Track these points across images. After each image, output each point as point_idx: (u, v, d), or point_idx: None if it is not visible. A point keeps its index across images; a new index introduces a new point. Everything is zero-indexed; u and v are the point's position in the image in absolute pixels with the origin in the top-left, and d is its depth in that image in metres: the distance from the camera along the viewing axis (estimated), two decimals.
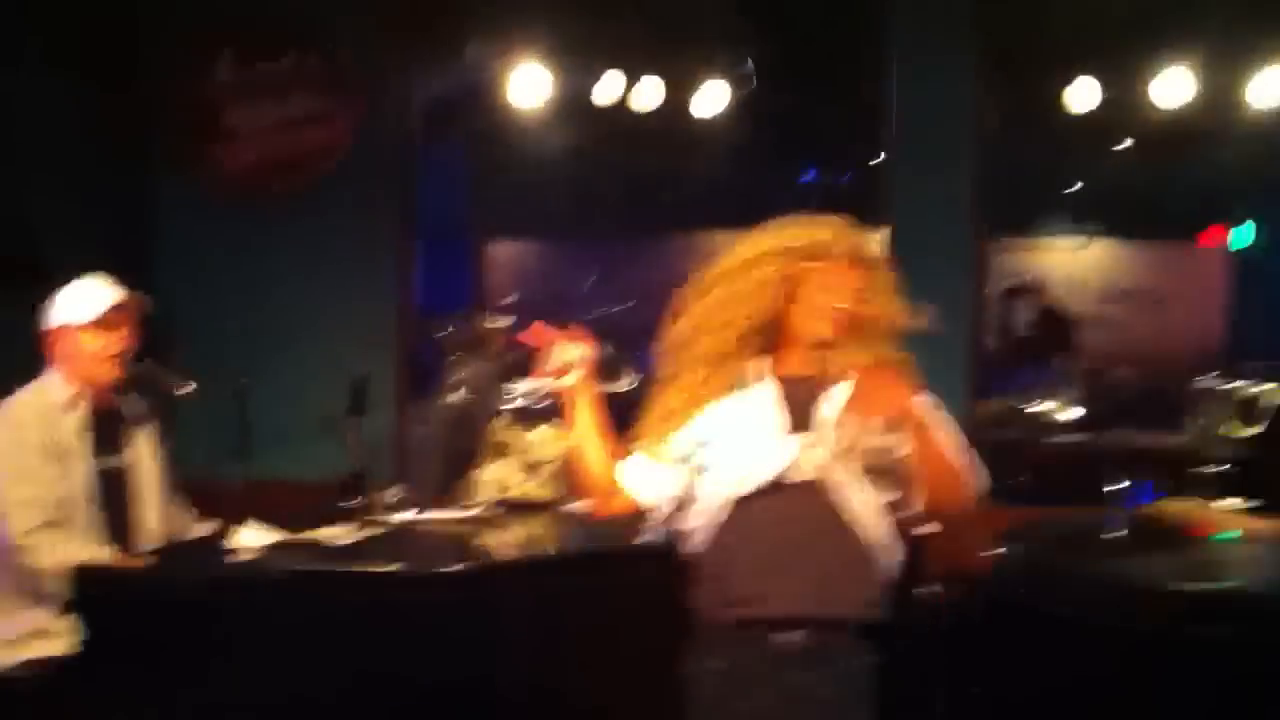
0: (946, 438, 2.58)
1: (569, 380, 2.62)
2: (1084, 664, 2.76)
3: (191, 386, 3.29)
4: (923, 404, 2.56)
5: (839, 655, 2.52)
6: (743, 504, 2.56)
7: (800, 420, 2.58)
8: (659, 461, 2.64)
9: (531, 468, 3.57)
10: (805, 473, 2.54)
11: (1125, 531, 3.25)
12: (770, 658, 2.51)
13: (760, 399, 2.62)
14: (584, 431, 2.64)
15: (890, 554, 2.60)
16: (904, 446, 2.53)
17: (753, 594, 2.53)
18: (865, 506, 2.56)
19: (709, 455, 2.61)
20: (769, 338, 2.64)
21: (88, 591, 2.79)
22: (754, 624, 2.52)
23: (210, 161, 5.01)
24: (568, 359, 2.62)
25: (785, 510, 2.54)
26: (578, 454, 2.66)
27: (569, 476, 2.79)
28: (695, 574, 2.63)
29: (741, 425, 2.61)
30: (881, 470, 2.55)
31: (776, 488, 2.54)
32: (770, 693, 2.51)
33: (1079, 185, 10.66)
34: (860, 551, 2.56)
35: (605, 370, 5.55)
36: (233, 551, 2.85)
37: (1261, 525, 3.43)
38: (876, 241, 2.71)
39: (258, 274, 4.99)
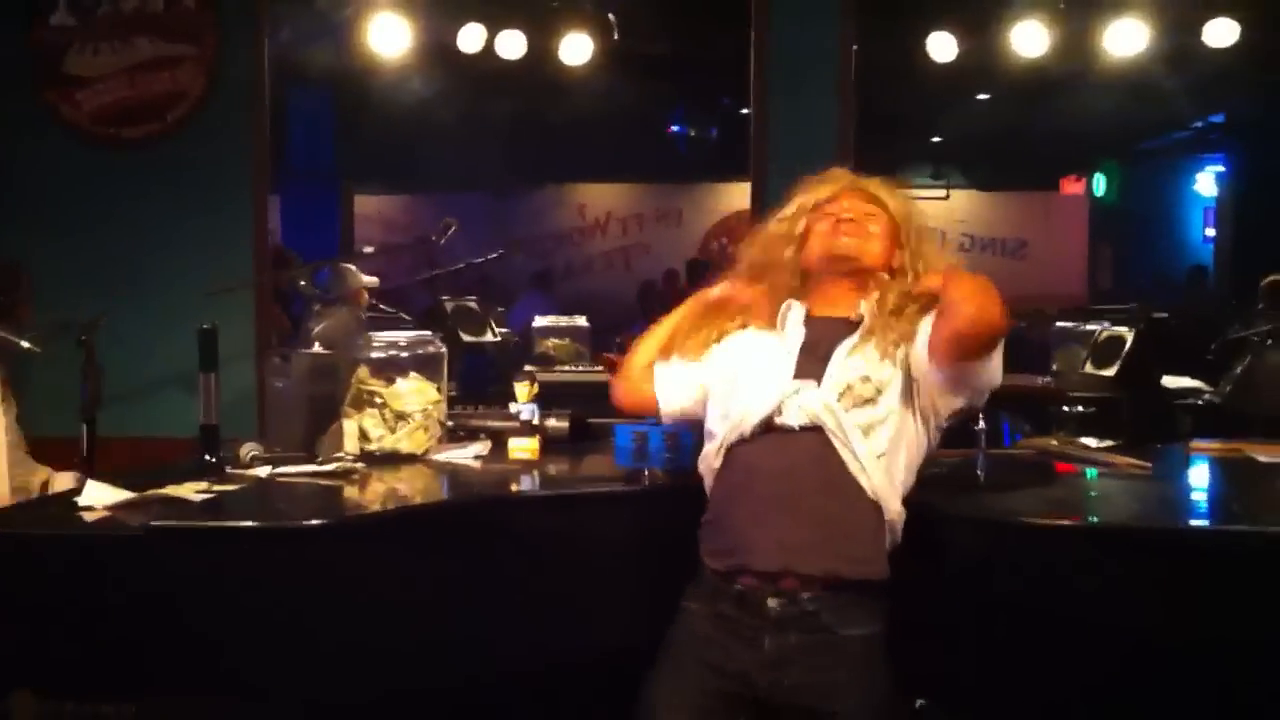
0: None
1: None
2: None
3: (26, 345, 3.14)
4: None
5: (831, 619, 2.39)
6: (740, 449, 2.50)
7: (812, 364, 2.53)
8: (688, 373, 2.78)
9: (396, 420, 3.48)
10: (798, 419, 2.46)
11: (985, 472, 3.29)
12: (756, 615, 2.40)
13: (781, 340, 2.61)
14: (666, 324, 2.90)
15: (892, 507, 2.49)
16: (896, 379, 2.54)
17: (738, 544, 2.43)
18: (866, 456, 2.45)
19: (720, 389, 2.63)
20: (803, 281, 2.74)
21: None
22: (737, 576, 2.43)
23: (58, 107, 4.85)
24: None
25: (780, 458, 2.45)
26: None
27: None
28: (703, 518, 2.58)
29: (753, 364, 2.58)
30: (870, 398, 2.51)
31: (770, 433, 2.47)
32: (751, 651, 2.41)
33: (939, 137, 10.86)
34: (859, 505, 2.45)
35: (471, 323, 5.51)
36: (82, 509, 2.73)
37: (1119, 461, 3.52)
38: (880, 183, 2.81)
39: (112, 222, 4.84)
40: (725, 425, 2.55)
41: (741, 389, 2.56)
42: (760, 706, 2.43)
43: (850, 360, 2.54)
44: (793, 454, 2.46)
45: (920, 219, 2.78)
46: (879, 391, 2.51)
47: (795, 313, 2.68)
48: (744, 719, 2.44)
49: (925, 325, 2.60)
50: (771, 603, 2.39)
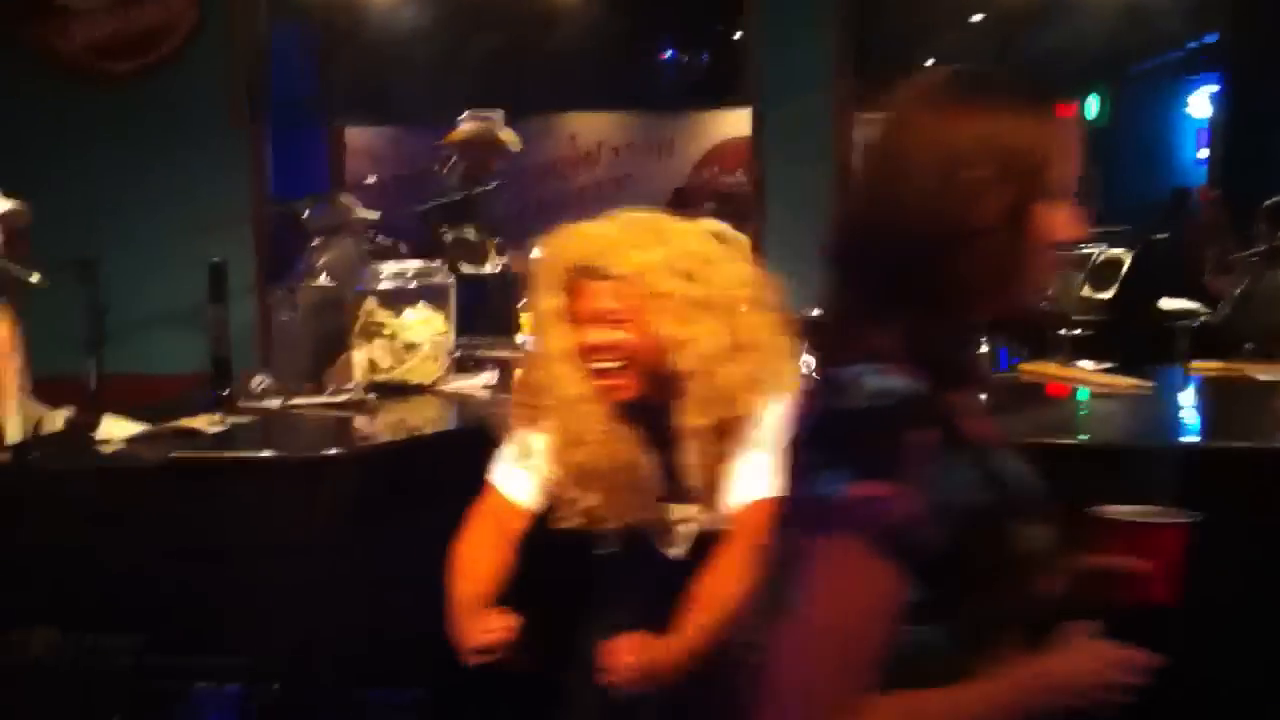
0: None
1: None
2: None
3: (38, 276, 3.13)
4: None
5: None
6: None
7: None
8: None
9: (404, 350, 3.51)
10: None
11: (988, 395, 3.33)
12: None
13: None
14: None
15: None
16: None
17: None
18: None
19: None
20: None
21: None
22: None
23: (47, 43, 4.81)
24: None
25: None
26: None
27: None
28: None
29: None
30: None
31: None
32: None
33: (930, 60, 10.81)
34: None
35: (470, 254, 5.50)
36: (99, 443, 2.75)
37: (1114, 382, 3.56)
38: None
39: (105, 159, 4.80)
40: None
41: None
42: None
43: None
44: None
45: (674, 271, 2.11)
46: None
47: None
48: None
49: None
50: None
